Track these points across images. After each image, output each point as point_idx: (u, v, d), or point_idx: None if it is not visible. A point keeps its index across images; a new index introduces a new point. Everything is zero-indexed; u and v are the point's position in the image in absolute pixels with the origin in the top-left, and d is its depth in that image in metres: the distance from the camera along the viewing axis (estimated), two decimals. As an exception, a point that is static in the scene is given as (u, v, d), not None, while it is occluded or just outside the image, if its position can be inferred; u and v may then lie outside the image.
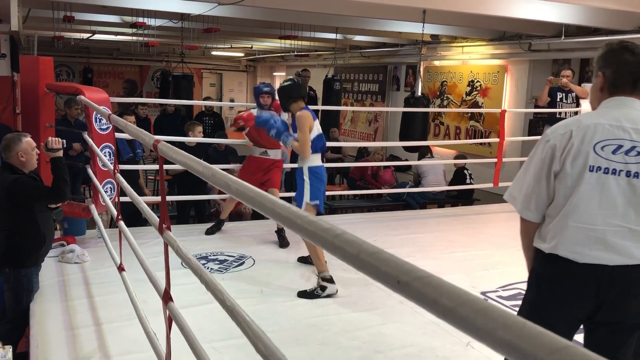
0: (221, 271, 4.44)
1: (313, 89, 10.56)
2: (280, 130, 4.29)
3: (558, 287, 1.98)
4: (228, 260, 4.69)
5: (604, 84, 1.98)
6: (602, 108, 1.97)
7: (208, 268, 4.47)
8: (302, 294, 3.98)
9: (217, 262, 4.62)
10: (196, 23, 9.11)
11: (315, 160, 4.31)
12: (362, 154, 10.88)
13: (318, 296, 3.95)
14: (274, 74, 22.11)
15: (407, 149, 10.02)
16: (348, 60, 14.52)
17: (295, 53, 13.23)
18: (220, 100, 20.50)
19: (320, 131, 4.36)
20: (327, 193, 7.83)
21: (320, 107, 11.59)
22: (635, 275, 1.90)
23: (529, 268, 2.16)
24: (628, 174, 1.86)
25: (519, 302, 3.96)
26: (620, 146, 1.86)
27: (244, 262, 4.65)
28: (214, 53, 17.14)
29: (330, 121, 10.61)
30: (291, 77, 4.71)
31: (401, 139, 9.34)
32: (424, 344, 3.39)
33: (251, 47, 16.08)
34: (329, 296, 3.97)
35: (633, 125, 1.89)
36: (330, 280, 3.99)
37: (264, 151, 5.31)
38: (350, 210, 7.79)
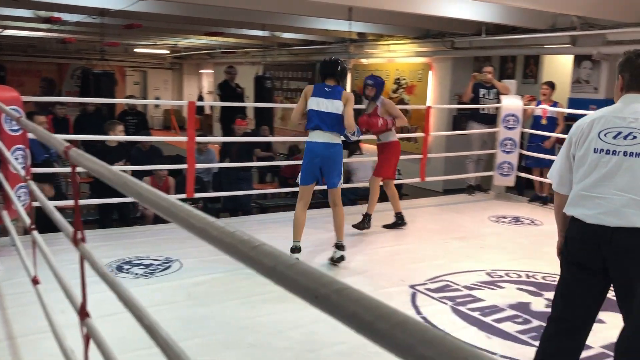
0: (146, 276, 4.27)
1: (240, 86, 10.42)
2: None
3: (575, 240, 2.48)
4: (153, 264, 4.53)
5: (622, 85, 2.46)
6: (617, 103, 2.47)
7: (132, 273, 4.29)
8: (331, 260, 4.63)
9: (141, 267, 4.44)
10: (117, 19, 8.76)
11: None
12: (294, 151, 10.84)
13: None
14: (201, 71, 21.69)
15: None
16: (277, 57, 14.44)
17: (222, 50, 13.01)
18: (145, 98, 19.89)
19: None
20: (258, 192, 7.80)
21: (248, 104, 11.48)
22: (632, 237, 2.32)
23: (559, 235, 2.67)
24: (625, 153, 2.33)
25: (447, 294, 4.10)
26: (619, 132, 2.35)
27: (170, 266, 4.50)
28: (137, 50, 16.60)
29: (263, 119, 10.51)
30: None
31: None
32: (355, 340, 3.36)
33: (176, 44, 15.68)
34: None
35: (634, 115, 2.36)
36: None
37: (377, 138, 5.86)
38: (282, 209, 7.72)
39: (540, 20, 8.30)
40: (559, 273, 2.62)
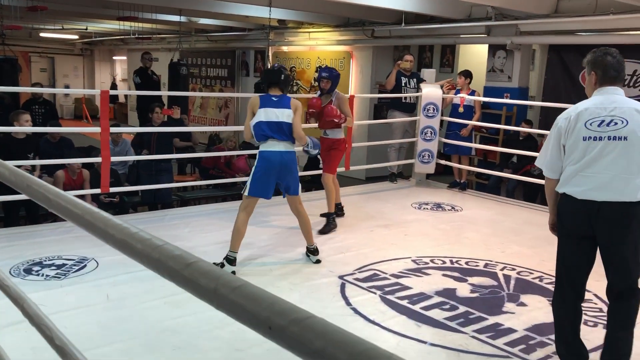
0: (59, 277, 3.97)
1: (156, 73, 9.99)
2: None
3: (568, 213, 2.87)
4: (67, 264, 4.22)
5: (597, 80, 2.82)
6: (594, 96, 2.82)
7: (43, 275, 3.98)
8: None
9: (53, 268, 4.13)
10: (19, 0, 8.11)
11: None
12: (214, 141, 10.55)
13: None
14: (114, 57, 20.71)
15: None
16: (194, 44, 13.99)
17: (136, 36, 12.42)
18: (54, 86, 18.76)
19: None
20: (178, 184, 7.51)
21: (165, 92, 11.05)
22: (615, 208, 2.75)
23: (551, 213, 3.02)
24: (609, 138, 2.72)
25: (375, 284, 4.09)
26: (602, 120, 2.74)
27: (85, 266, 4.21)
28: (42, 35, 15.55)
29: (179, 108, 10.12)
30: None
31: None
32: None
33: (86, 29, 14.83)
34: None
35: (612, 105, 2.75)
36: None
37: (324, 132, 5.69)
38: (203, 201, 7.49)
39: (457, 10, 8.49)
40: (557, 246, 2.99)
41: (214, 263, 4.36)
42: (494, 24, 8.21)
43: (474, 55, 9.86)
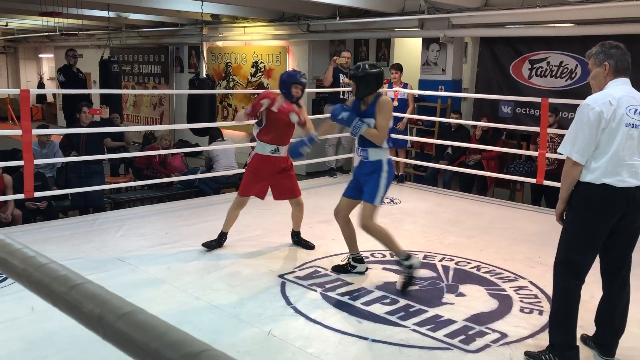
0: (-22, 292, 3.71)
1: (81, 71, 9.57)
2: (351, 117, 3.88)
3: (606, 203, 2.82)
4: (-13, 277, 3.95)
5: (609, 71, 2.88)
6: (615, 86, 2.85)
7: (-40, 290, 3.70)
8: (403, 287, 3.90)
9: (-28, 281, 3.85)
10: None
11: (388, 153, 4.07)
12: (149, 140, 10.23)
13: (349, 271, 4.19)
14: (40, 55, 19.78)
15: (196, 132, 9.66)
16: (125, 40, 13.51)
17: (63, 32, 11.87)
18: (-26, 87, 17.73)
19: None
20: (109, 186, 7.21)
21: (96, 90, 10.62)
22: None
23: (565, 200, 2.93)
24: (633, 125, 2.79)
25: (316, 281, 4.04)
26: (637, 109, 2.81)
27: (5, 278, 3.95)
28: (-41, 32, 14.65)
29: (111, 106, 9.73)
30: (373, 62, 4.31)
31: (189, 122, 8.96)
32: (224, 340, 3.19)
33: (6, 25, 14.05)
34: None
35: (632, 94, 2.85)
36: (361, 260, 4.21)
37: (275, 148, 4.56)
38: (138, 203, 7.22)
39: (391, 4, 8.54)
40: (573, 237, 2.91)
41: (340, 265, 4.28)
42: (427, 18, 8.31)
43: (409, 49, 9.96)
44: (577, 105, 7.82)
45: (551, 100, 6.44)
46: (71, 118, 8.20)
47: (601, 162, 2.80)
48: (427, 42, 8.73)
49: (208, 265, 4.35)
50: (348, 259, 4.27)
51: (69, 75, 9.08)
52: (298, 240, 4.86)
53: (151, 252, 4.61)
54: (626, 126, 2.78)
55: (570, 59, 7.54)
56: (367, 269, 4.26)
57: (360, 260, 4.26)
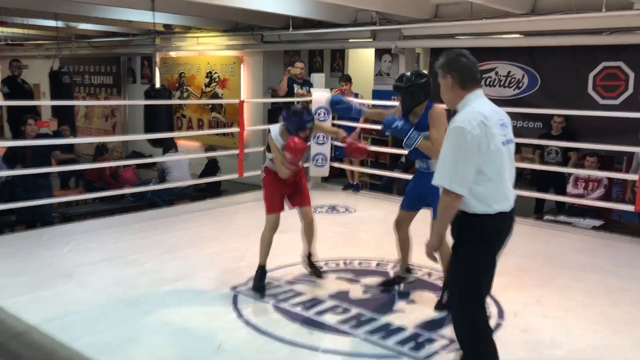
0: None
1: (27, 82, 9.32)
2: (405, 127, 3.65)
3: (501, 231, 2.62)
4: None
5: (454, 83, 2.64)
6: (474, 101, 2.60)
7: None
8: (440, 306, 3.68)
9: None
10: None
11: None
12: (101, 152, 10.02)
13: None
14: (-14, 66, 19.13)
15: (154, 144, 9.51)
16: (75, 50, 13.22)
17: (7, 42, 11.53)
18: None
19: None
20: (58, 200, 7.00)
21: (44, 102, 10.34)
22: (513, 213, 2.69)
23: (444, 236, 2.62)
24: (508, 142, 2.62)
25: (269, 292, 3.99)
26: (503, 123, 2.61)
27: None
28: None
29: (62, 118, 9.49)
30: (419, 70, 3.88)
31: (147, 133, 8.81)
32: (173, 355, 3.14)
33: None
34: None
35: (494, 108, 2.63)
36: None
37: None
38: (89, 216, 7.04)
39: (343, 15, 8.64)
40: (471, 269, 2.60)
41: (389, 280, 4.15)
42: (379, 29, 8.44)
43: (363, 60, 10.09)
44: (527, 114, 8.03)
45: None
46: (17, 130, 7.95)
47: (489, 189, 2.54)
48: (379, 53, 8.86)
49: (158, 279, 4.27)
50: (400, 271, 4.19)
51: (13, 86, 8.83)
52: (310, 264, 4.41)
53: (100, 267, 4.50)
54: (503, 144, 2.56)
55: (517, 69, 7.77)
56: (414, 278, 4.23)
57: (409, 270, 4.24)
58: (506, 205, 2.59)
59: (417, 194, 3.93)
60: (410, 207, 4.02)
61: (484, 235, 2.57)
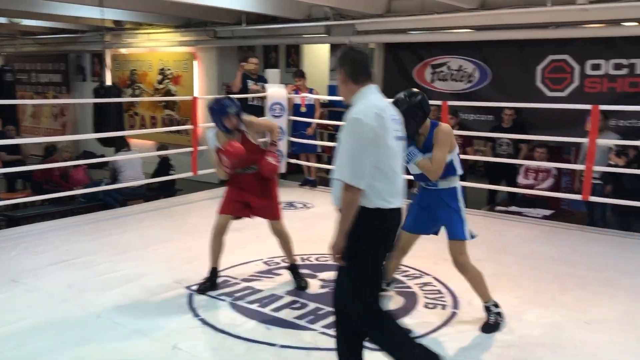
0: None
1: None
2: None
3: (395, 229, 2.61)
4: None
5: (346, 77, 2.61)
6: (369, 95, 2.56)
7: None
8: (487, 329, 3.41)
9: None
10: None
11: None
12: (50, 152, 9.72)
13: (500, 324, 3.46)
14: None
15: (104, 143, 9.27)
16: (20, 47, 12.77)
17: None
18: None
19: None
20: (6, 202, 6.75)
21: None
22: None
23: (346, 232, 2.47)
24: (399, 138, 2.60)
25: (225, 290, 3.96)
26: (395, 120, 2.58)
27: None
28: None
29: (6, 118, 9.16)
30: (410, 90, 3.51)
31: (96, 133, 8.58)
32: (127, 357, 3.07)
33: None
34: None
35: (387, 104, 2.62)
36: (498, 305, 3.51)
37: (242, 170, 4.01)
38: (38, 219, 6.81)
39: (296, 10, 8.61)
40: (364, 270, 2.52)
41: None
42: (333, 24, 8.45)
43: (318, 55, 10.08)
44: (479, 107, 8.11)
45: (451, 102, 6.73)
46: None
47: (386, 183, 2.50)
48: (334, 48, 8.88)
49: (111, 281, 4.17)
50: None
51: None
52: (293, 275, 4.17)
53: (50, 271, 4.36)
54: (396, 139, 2.56)
55: (468, 63, 7.91)
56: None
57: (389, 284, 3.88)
58: (400, 200, 2.59)
59: (422, 214, 3.59)
60: (413, 229, 3.62)
61: (381, 230, 2.53)
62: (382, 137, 2.45)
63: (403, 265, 4.56)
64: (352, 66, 2.60)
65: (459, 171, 3.50)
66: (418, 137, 3.48)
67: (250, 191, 4.03)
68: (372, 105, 2.50)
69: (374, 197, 2.48)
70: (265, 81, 7.86)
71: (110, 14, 8.99)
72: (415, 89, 3.58)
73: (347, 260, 2.51)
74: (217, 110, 3.96)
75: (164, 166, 8.55)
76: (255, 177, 4.03)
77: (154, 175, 8.29)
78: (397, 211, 2.58)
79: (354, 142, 2.45)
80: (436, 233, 3.60)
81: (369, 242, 2.51)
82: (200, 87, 10.76)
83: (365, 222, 2.48)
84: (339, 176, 2.48)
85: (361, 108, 2.49)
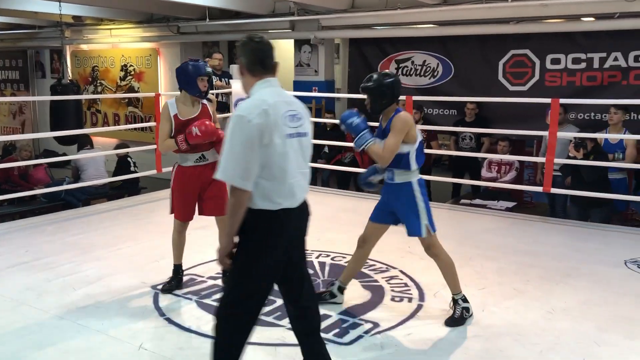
0: None
1: None
2: (360, 125, 3.37)
3: (285, 231, 2.44)
4: None
5: (243, 69, 2.49)
6: (264, 89, 2.44)
7: None
8: (451, 322, 3.42)
9: None
10: None
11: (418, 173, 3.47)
12: (9, 151, 9.47)
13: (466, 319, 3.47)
14: None
15: (61, 141, 9.06)
16: (-24, 44, 12.38)
17: None
18: None
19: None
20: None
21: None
22: (306, 210, 2.55)
23: (235, 233, 2.38)
24: (298, 134, 2.46)
25: (191, 289, 3.93)
26: (294, 115, 2.45)
27: None
28: None
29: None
30: (386, 71, 3.51)
31: (53, 131, 8.37)
32: (94, 358, 3.02)
33: None
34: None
35: (284, 98, 2.46)
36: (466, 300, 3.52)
37: (200, 156, 3.88)
38: (-3, 219, 6.63)
39: (260, 5, 8.56)
40: (250, 270, 2.41)
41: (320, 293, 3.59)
42: (297, 19, 8.42)
43: (283, 50, 10.02)
44: (442, 102, 8.17)
45: (416, 97, 6.79)
46: None
47: (271, 183, 2.37)
48: (299, 44, 8.85)
49: (73, 282, 4.08)
50: (333, 288, 3.74)
51: None
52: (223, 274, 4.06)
53: (8, 273, 4.25)
54: (290, 137, 2.41)
55: (432, 58, 7.99)
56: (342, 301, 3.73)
57: (342, 291, 3.75)
58: (292, 201, 2.43)
59: (386, 205, 3.56)
60: (378, 219, 3.60)
61: (266, 232, 2.41)
62: (269, 135, 2.31)
63: (370, 259, 4.59)
64: (249, 57, 2.46)
65: (413, 166, 3.40)
66: (383, 117, 3.46)
67: (200, 184, 3.89)
68: (261, 101, 2.36)
69: (259, 199, 2.36)
70: (230, 77, 7.78)
71: (69, 9, 8.78)
72: (391, 72, 3.60)
73: (234, 262, 2.42)
74: (191, 71, 3.82)
75: (123, 164, 8.40)
76: (208, 168, 3.84)
77: (114, 174, 8.14)
78: (288, 212, 2.41)
79: (236, 140, 2.30)
80: (396, 223, 3.57)
81: (256, 245, 2.41)
82: (164, 84, 10.61)
83: (251, 224, 2.37)
84: (222, 177, 2.33)
85: (248, 104, 2.37)
